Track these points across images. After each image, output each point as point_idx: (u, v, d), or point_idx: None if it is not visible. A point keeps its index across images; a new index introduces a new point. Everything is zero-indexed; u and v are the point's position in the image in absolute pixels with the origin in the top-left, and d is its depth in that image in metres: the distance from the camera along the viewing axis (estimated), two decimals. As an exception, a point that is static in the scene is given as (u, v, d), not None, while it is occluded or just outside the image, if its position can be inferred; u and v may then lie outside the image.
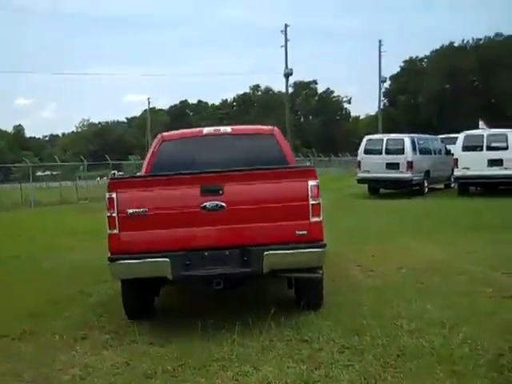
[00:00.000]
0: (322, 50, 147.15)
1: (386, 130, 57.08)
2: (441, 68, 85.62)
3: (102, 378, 5.36)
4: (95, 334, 6.74)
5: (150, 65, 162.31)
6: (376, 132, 51.32)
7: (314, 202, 6.34)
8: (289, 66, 57.00)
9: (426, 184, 24.41)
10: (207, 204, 6.26)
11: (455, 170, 22.51)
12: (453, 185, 25.46)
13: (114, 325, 7.00)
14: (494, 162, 21.64)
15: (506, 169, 21.51)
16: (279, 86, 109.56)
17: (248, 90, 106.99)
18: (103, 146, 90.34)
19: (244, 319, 6.57)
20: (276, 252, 6.24)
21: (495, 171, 21.57)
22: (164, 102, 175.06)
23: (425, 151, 24.73)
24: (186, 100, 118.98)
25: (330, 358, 5.55)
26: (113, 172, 59.13)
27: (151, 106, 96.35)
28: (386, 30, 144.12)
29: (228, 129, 8.35)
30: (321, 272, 6.72)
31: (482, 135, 22.44)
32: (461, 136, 23.09)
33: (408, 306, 7.16)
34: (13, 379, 5.49)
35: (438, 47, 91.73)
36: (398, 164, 23.32)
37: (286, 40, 57.96)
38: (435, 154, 25.77)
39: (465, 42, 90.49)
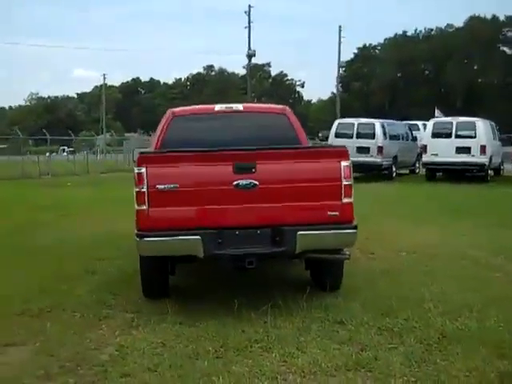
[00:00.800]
0: (276, 34, 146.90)
1: (339, 115, 57.80)
2: (393, 56, 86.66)
3: (143, 359, 5.18)
4: (117, 313, 6.54)
5: (102, 40, 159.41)
6: (329, 116, 51.58)
7: (346, 183, 6.27)
8: (244, 48, 56.99)
9: (394, 169, 24.67)
10: (240, 182, 6.12)
11: (424, 155, 22.79)
12: (417, 170, 25.83)
13: (132, 304, 6.80)
14: (461, 150, 21.95)
15: (473, 156, 21.87)
16: (233, 66, 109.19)
17: (202, 71, 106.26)
18: (53, 121, 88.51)
19: (269, 299, 6.50)
20: (310, 232, 6.16)
21: (463, 158, 21.90)
22: (115, 79, 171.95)
23: (393, 137, 24.98)
24: (138, 77, 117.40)
25: (370, 341, 5.51)
26: (62, 148, 57.91)
27: (102, 83, 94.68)
28: (344, 17, 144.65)
29: (240, 106, 8.20)
30: (348, 253, 6.66)
31: (451, 123, 22.80)
32: (430, 123, 23.39)
33: (426, 289, 7.17)
34: (48, 359, 5.25)
35: (391, 35, 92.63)
36: (369, 148, 23.48)
37: (250, 21, 57.82)
38: (403, 139, 26.04)
39: (417, 31, 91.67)
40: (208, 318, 6.20)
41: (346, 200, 6.28)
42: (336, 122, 25.47)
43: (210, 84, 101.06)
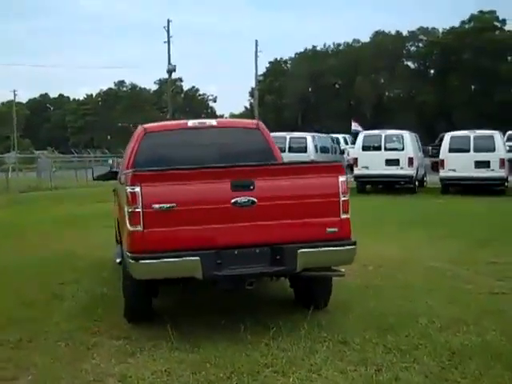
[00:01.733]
0: (186, 48, 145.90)
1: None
2: (304, 70, 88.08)
3: (154, 389, 4.90)
4: (104, 340, 6.17)
5: (7, 55, 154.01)
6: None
7: (344, 199, 6.17)
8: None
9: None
10: (239, 199, 5.90)
11: (355, 168, 23.07)
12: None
13: (118, 330, 6.44)
14: (391, 162, 22.38)
15: (401, 168, 22.34)
16: (144, 82, 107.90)
17: (113, 86, 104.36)
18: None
19: (260, 319, 6.40)
20: (310, 250, 6.00)
21: (392, 170, 22.34)
22: (21, 96, 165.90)
23: (324, 150, 25.19)
24: (46, 93, 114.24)
25: (383, 360, 5.39)
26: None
27: (8, 99, 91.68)
28: (256, 31, 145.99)
29: (213, 121, 8.04)
30: (343, 270, 6.56)
31: (380, 135, 23.17)
32: (360, 136, 23.74)
33: (412, 304, 7.19)
34: (49, 394, 4.89)
35: (302, 50, 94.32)
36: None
37: (169, 36, 57.22)
38: (331, 153, 26.32)
39: (326, 46, 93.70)
40: (203, 341, 5.93)
41: (344, 216, 6.17)
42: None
43: (122, 100, 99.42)
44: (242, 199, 5.90)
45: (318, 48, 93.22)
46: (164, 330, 6.27)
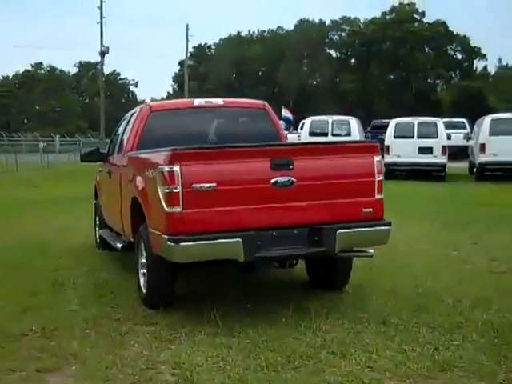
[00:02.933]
0: (110, 30, 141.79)
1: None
2: (228, 56, 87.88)
3: (215, 375, 4.69)
4: (134, 327, 5.88)
5: None
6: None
7: (379, 179, 6.12)
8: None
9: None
10: (278, 179, 5.74)
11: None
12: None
13: (141, 316, 6.15)
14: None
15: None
16: (62, 64, 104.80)
17: (30, 68, 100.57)
18: None
19: (282, 303, 6.33)
20: (349, 231, 5.91)
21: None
22: None
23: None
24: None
25: (432, 339, 5.37)
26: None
27: None
28: (180, 16, 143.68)
29: (220, 101, 7.81)
30: (372, 251, 6.50)
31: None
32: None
33: (426, 284, 7.20)
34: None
35: (226, 35, 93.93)
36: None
37: (102, 16, 55.56)
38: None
39: (251, 32, 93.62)
40: (239, 325, 5.75)
41: (378, 196, 6.12)
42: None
43: (40, 83, 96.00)
44: (282, 179, 5.74)
45: (243, 34, 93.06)
46: (191, 315, 6.10)
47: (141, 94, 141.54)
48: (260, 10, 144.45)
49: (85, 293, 7.08)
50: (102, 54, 55.01)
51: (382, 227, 6.09)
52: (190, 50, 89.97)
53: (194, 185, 5.52)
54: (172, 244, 5.51)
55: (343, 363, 4.88)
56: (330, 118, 23.44)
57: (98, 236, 9.85)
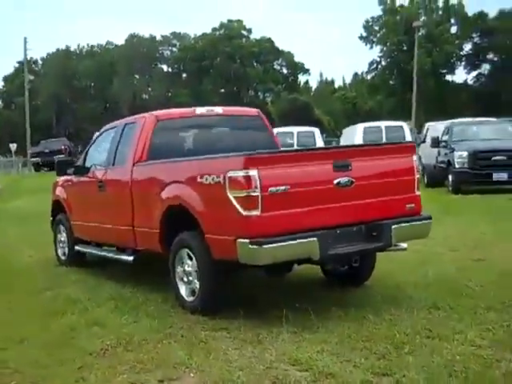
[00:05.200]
0: None
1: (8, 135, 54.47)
2: (57, 71, 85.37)
3: (345, 364, 4.89)
4: (207, 333, 5.84)
5: None
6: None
7: (418, 176, 6.61)
8: None
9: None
10: (341, 180, 6.04)
11: None
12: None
13: (203, 323, 6.13)
14: None
15: None
16: None
17: None
18: None
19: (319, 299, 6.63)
20: (402, 225, 6.34)
21: None
22: None
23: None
24: None
25: (498, 319, 5.83)
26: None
27: None
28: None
29: (219, 109, 8.06)
30: (405, 245, 6.91)
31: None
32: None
33: (434, 272, 7.66)
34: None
35: (54, 50, 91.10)
36: None
37: None
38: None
39: (80, 47, 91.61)
40: (308, 323, 5.93)
41: (417, 192, 6.60)
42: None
43: None
44: (343, 179, 6.06)
45: (72, 49, 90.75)
46: (245, 317, 6.15)
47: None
48: (89, 24, 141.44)
49: (122, 306, 6.88)
50: None
51: (426, 221, 6.58)
52: (15, 64, 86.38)
53: (270, 188, 5.66)
54: (255, 247, 5.59)
55: (447, 350, 5.12)
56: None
57: (61, 252, 9.54)
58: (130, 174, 7.41)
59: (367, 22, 75.91)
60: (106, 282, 8.22)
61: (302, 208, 5.88)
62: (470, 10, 73.87)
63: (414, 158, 6.65)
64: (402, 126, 24.38)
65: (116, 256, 8.01)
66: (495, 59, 74.09)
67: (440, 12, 74.09)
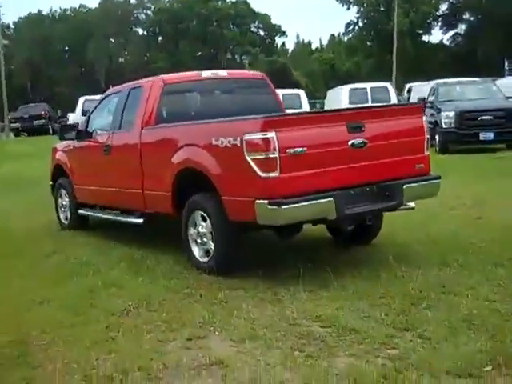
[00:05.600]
0: None
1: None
2: (30, 36, 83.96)
3: (368, 321, 5.01)
4: (225, 293, 5.92)
5: None
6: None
7: (427, 136, 6.72)
8: None
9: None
10: (355, 141, 6.13)
11: None
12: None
13: (219, 283, 6.21)
14: None
15: None
16: None
17: None
18: None
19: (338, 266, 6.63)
20: (413, 185, 6.46)
21: None
22: None
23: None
24: None
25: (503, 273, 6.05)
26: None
27: None
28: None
29: (224, 73, 8.10)
30: (413, 204, 7.04)
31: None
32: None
33: (439, 230, 7.87)
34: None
35: (26, 14, 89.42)
36: None
37: None
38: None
39: (53, 11, 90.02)
40: (324, 282, 6.03)
41: (427, 153, 6.72)
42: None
43: None
44: (357, 140, 6.14)
45: (44, 12, 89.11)
46: (259, 278, 6.26)
47: None
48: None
49: (133, 267, 6.96)
50: None
51: (435, 180, 6.72)
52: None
53: (288, 150, 5.73)
54: (275, 207, 5.67)
55: (465, 305, 5.24)
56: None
57: (63, 217, 9.57)
58: (138, 138, 7.42)
59: (344, -18, 75.38)
60: (113, 244, 8.27)
61: (318, 169, 5.96)
62: (447, -31, 73.64)
63: (424, 118, 6.75)
64: (386, 87, 24.66)
65: (124, 219, 8.05)
66: (471, 19, 74.21)
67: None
